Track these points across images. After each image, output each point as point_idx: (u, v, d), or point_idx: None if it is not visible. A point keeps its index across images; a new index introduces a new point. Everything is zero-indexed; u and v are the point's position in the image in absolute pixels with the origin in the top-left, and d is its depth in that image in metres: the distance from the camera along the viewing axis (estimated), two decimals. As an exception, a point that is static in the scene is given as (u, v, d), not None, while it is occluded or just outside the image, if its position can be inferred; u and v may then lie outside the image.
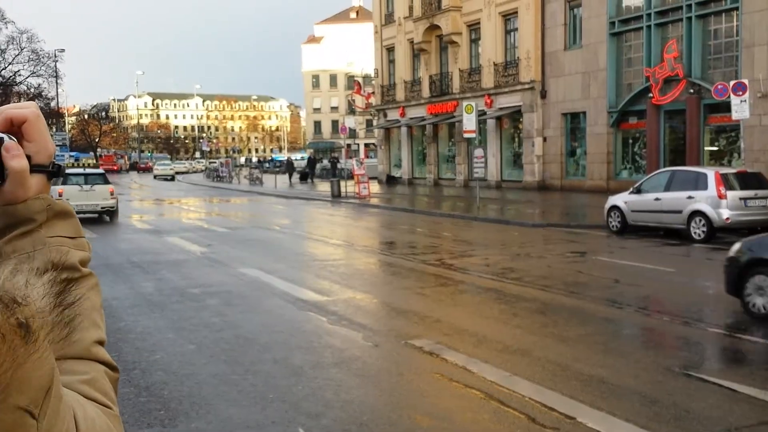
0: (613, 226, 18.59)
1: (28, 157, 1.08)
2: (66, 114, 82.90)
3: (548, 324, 9.02)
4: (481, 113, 34.49)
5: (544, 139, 35.64)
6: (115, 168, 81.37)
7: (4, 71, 49.79)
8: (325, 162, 51.82)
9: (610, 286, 11.57)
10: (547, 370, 7.03)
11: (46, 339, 0.78)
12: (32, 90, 53.36)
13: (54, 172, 1.14)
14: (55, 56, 52.59)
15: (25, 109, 1.11)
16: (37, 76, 52.35)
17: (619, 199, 18.64)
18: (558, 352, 7.67)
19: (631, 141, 32.00)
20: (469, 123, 26.19)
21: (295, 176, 52.10)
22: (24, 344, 0.74)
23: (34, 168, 1.09)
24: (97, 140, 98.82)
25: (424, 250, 16.05)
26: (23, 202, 1.09)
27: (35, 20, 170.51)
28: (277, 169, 68.29)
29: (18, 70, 50.68)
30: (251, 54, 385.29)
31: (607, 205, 18.97)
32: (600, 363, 7.27)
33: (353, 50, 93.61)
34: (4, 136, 1.07)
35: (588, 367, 7.10)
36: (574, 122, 34.62)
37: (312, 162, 53.24)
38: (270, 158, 58.02)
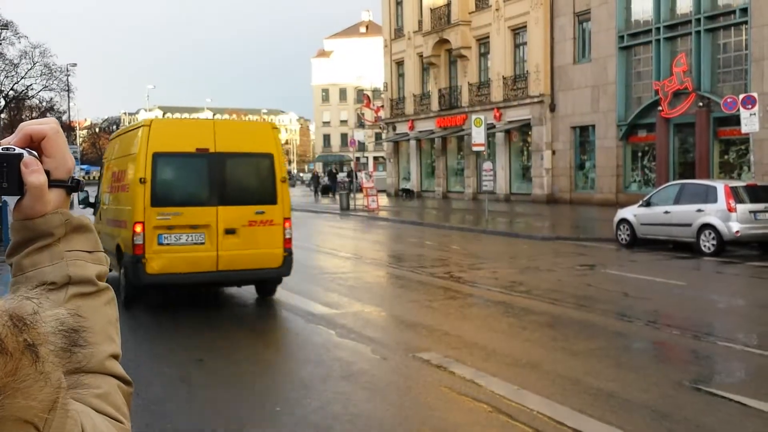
0: (622, 240, 18.51)
1: (47, 173, 1.09)
2: (77, 127, 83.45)
3: (557, 337, 8.96)
4: (490, 126, 34.49)
5: (553, 153, 35.60)
6: None
7: (16, 85, 50.22)
8: (342, 175, 51.52)
9: (620, 300, 11.50)
10: (556, 384, 6.98)
11: (52, 362, 0.78)
12: (44, 104, 53.80)
13: (73, 187, 1.15)
14: (67, 70, 53.00)
15: (44, 125, 1.12)
16: (50, 90, 52.77)
17: (629, 212, 18.56)
18: (567, 365, 7.62)
19: (640, 154, 31.92)
20: (478, 136, 26.19)
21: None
22: (31, 365, 0.75)
23: (53, 183, 1.10)
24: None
25: (433, 263, 16.01)
26: (42, 216, 1.10)
27: (48, 35, 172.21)
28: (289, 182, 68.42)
29: (30, 84, 51.11)
30: (261, 68, 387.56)
31: (617, 218, 18.89)
32: (610, 377, 7.21)
33: (363, 64, 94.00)
34: (24, 151, 1.08)
35: (598, 381, 7.04)
36: (584, 135, 34.57)
37: (333, 175, 52.45)
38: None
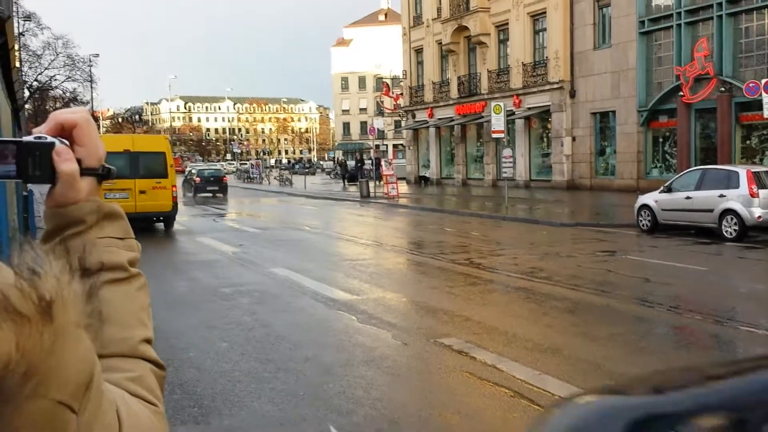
0: (643, 225, 18.39)
1: (79, 161, 1.10)
2: (100, 117, 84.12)
3: (578, 323, 8.95)
4: (510, 113, 34.32)
5: (573, 139, 35.37)
6: (180, 170, 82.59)
7: (40, 76, 50.61)
8: (368, 163, 50.80)
9: (641, 285, 11.44)
10: (577, 369, 6.97)
11: (74, 316, 0.75)
12: (68, 94, 54.21)
13: (104, 175, 1.15)
14: (90, 61, 53.39)
15: (75, 114, 1.12)
16: (73, 80, 53.15)
17: (650, 198, 18.42)
18: (588, 351, 7.60)
19: (661, 140, 31.63)
20: (497, 123, 26.08)
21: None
22: (50, 323, 0.71)
23: (85, 171, 1.11)
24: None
25: (453, 250, 16.01)
26: (74, 204, 1.11)
27: (70, 26, 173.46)
28: (306, 170, 68.59)
29: (54, 75, 51.47)
30: (281, 57, 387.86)
31: (638, 204, 18.76)
32: (631, 362, 7.19)
33: (382, 52, 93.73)
34: (56, 140, 1.09)
35: (619, 366, 7.02)
36: (604, 121, 34.31)
37: (359, 164, 51.66)
38: (340, 160, 51.56)
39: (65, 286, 0.75)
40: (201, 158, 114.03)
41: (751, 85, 20.99)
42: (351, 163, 56.32)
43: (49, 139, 1.09)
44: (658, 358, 7.33)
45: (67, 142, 1.10)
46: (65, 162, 1.08)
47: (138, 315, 1.13)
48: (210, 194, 36.56)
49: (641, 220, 18.51)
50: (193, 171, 39.68)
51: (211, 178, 37.61)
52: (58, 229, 1.12)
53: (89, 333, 0.78)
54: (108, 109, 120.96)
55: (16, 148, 1.07)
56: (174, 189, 19.90)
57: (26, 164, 1.07)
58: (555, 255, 14.76)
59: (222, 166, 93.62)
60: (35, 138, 1.08)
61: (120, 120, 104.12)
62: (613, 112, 33.13)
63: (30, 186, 11.44)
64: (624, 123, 32.36)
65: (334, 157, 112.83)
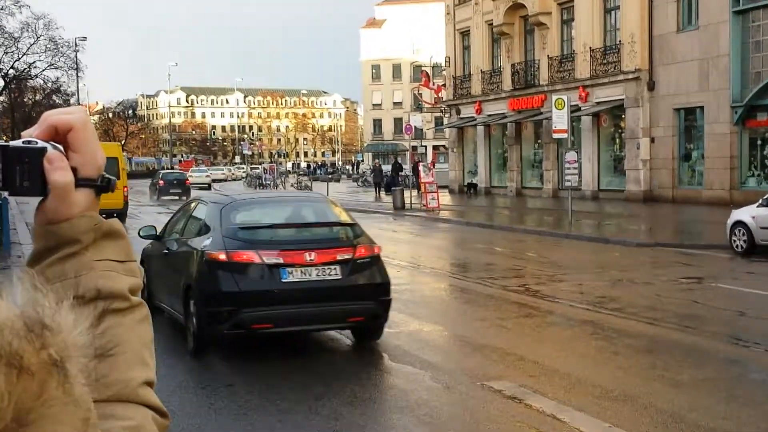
0: (737, 246, 18.16)
1: (74, 170, 1.11)
2: (88, 112, 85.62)
3: (657, 365, 8.86)
4: (575, 109, 34.16)
5: (652, 140, 35.08)
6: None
7: (17, 63, 51.49)
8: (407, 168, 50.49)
9: (734, 320, 11.31)
10: (656, 422, 6.91)
11: (82, 382, 0.78)
12: (50, 84, 55.20)
13: (103, 187, 1.16)
14: (76, 45, 54.28)
15: (71, 115, 1.14)
16: (56, 68, 54.06)
17: (746, 214, 18.19)
18: (669, 399, 7.53)
19: (760, 142, 31.25)
20: (559, 121, 25.97)
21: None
22: (58, 387, 0.74)
23: (81, 182, 1.12)
24: (123, 142, 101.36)
25: (505, 274, 15.96)
26: (67, 220, 1.12)
27: (53, 3, 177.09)
28: (329, 176, 68.87)
29: (33, 62, 52.39)
30: (300, 41, 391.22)
31: (731, 221, 18.54)
32: (722, 414, 7.10)
33: (420, 35, 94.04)
34: (48, 145, 1.10)
35: (707, 419, 6.94)
36: (689, 119, 33.98)
37: (397, 169, 51.37)
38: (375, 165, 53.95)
39: (73, 339, 0.77)
40: (201, 161, 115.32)
41: None
42: (386, 168, 56.26)
43: (40, 143, 1.10)
44: (756, 410, 7.23)
45: (61, 148, 1.12)
46: (58, 171, 1.09)
47: (139, 353, 1.14)
48: (174, 196, 43.61)
49: (735, 240, 18.28)
50: (159, 174, 49.90)
51: (174, 182, 46.50)
52: (48, 249, 1.13)
53: (84, 375, 0.79)
54: (96, 103, 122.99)
55: (1, 153, 1.09)
56: (125, 189, 27.45)
57: (13, 173, 1.08)
58: (629, 282, 14.65)
59: (229, 171, 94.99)
60: (24, 142, 1.10)
61: (110, 115, 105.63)
62: (701, 108, 32.82)
63: (5, 194, 11.61)
64: (714, 121, 32.03)
65: (359, 161, 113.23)
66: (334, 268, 9.09)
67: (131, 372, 1.10)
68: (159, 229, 11.31)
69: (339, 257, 9.13)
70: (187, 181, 47.31)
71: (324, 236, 9.66)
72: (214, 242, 9.06)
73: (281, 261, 8.84)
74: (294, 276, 8.88)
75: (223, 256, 8.78)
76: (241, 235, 9.16)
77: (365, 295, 9.30)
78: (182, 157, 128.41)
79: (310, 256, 8.93)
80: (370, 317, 9.43)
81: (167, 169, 66.73)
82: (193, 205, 11.12)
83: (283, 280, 8.86)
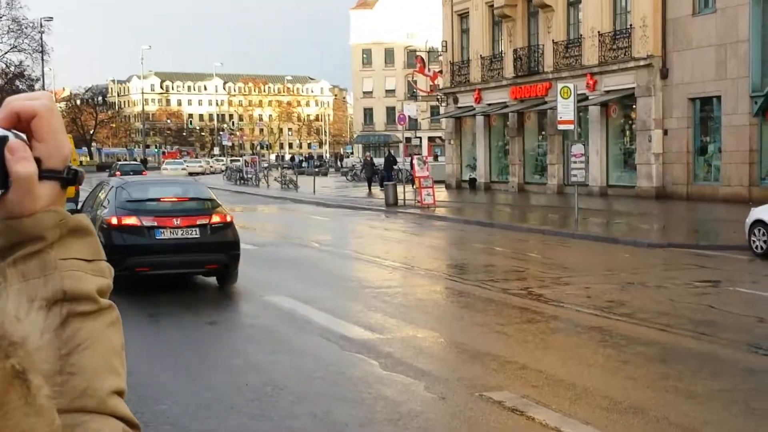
0: (757, 247, 18.20)
1: (38, 161, 1.11)
2: (54, 98, 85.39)
3: (670, 375, 8.88)
4: (582, 98, 34.19)
5: (665, 132, 35.16)
6: None
7: (-23, 45, 51.32)
8: (400, 162, 50.28)
9: (753, 327, 11.33)
10: (668, 436, 6.91)
11: (46, 394, 0.77)
12: (12, 68, 55.02)
13: (70, 179, 1.16)
14: (41, 26, 54.16)
15: (35, 101, 1.13)
16: (19, 50, 54.02)
17: (766, 212, 18.25)
18: (683, 412, 7.54)
19: (781, 135, 31.34)
20: (565, 111, 25.98)
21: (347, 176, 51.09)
22: (20, 396, 0.75)
23: (45, 174, 1.12)
24: (92, 132, 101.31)
25: (506, 276, 15.98)
26: (31, 216, 1.11)
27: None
28: (317, 170, 68.84)
29: (-5, 44, 52.22)
30: (284, 24, 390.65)
31: (750, 220, 18.59)
32: (740, 428, 7.13)
33: (415, 17, 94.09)
34: (9, 133, 1.09)
35: (723, 433, 6.96)
36: (705, 110, 34.07)
37: (390, 162, 51.14)
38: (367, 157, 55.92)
39: (37, 348, 0.77)
40: (186, 153, 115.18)
41: None
42: (378, 161, 56.17)
43: (1, 132, 1.09)
44: (776, 424, 7.24)
45: (24, 137, 1.11)
46: (21, 161, 1.08)
47: (108, 359, 1.13)
48: None
49: (754, 241, 18.33)
50: (116, 165, 55.05)
51: (131, 173, 48.40)
52: (9, 246, 1.12)
53: (49, 384, 0.79)
54: (63, 89, 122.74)
55: None
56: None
57: None
58: (640, 285, 14.67)
59: (207, 163, 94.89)
60: None
61: (78, 102, 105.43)
62: (718, 97, 32.90)
63: None
64: (732, 112, 32.11)
65: (347, 153, 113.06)
66: (194, 230, 13.52)
67: (100, 381, 1.09)
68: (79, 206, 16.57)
69: (198, 222, 13.60)
70: (144, 173, 49.86)
71: (188, 208, 14.11)
72: (108, 211, 13.48)
73: (155, 224, 13.34)
74: (165, 234, 13.31)
75: (114, 221, 13.13)
76: (128, 206, 13.48)
77: (218, 249, 13.69)
78: (157, 147, 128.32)
79: (177, 221, 13.44)
80: (222, 266, 13.83)
81: (124, 160, 76.43)
82: (100, 186, 15.72)
83: (156, 237, 13.24)
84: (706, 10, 33.58)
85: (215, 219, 13.83)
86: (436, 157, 62.39)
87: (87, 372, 1.07)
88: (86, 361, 1.07)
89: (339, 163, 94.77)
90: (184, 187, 15.70)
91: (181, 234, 13.39)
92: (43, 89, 59.68)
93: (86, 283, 1.13)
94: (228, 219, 14.08)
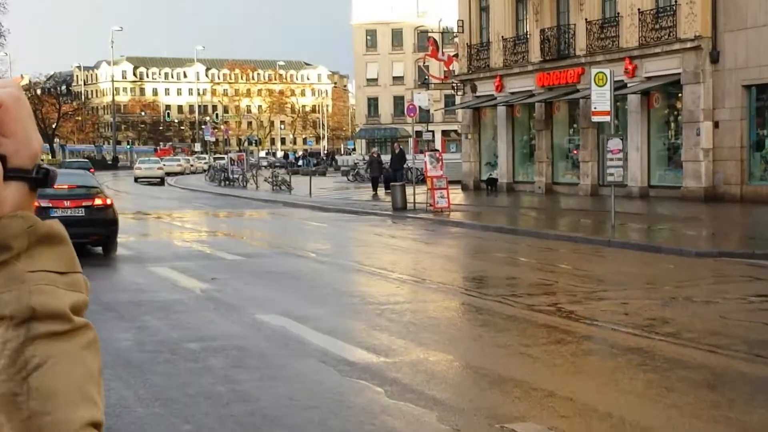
0: (821, 257, 18.20)
1: (3, 158, 1.11)
2: (21, 86, 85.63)
3: (720, 403, 8.87)
4: (620, 85, 34.18)
5: (716, 125, 35.11)
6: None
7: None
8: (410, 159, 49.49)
9: (817, 348, 11.30)
10: (717, 473, 6.92)
11: (9, 425, 0.77)
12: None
13: (39, 180, 1.16)
14: (-3, 6, 54.25)
15: (0, 90, 1.14)
16: (-29, 34, 53.99)
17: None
18: (735, 445, 7.53)
19: None
20: (600, 100, 26.00)
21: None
22: None
23: (12, 173, 1.12)
24: (54, 126, 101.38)
25: (531, 290, 15.96)
26: None
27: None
28: (314, 169, 68.91)
29: (-57, 26, 52.37)
30: (276, 0, 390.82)
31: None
32: (800, 464, 7.11)
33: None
34: None
35: (781, 470, 6.95)
36: (763, 99, 34.03)
37: (399, 159, 50.36)
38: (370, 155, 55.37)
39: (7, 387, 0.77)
40: (180, 150, 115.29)
41: None
42: (385, 159, 55.86)
43: None
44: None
45: None
46: None
47: (83, 386, 1.13)
48: None
49: (818, 249, 18.32)
50: (63, 163, 58.46)
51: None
52: None
53: (16, 418, 0.79)
54: (22, 76, 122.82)
55: None
56: None
57: None
58: (686, 300, 14.67)
59: (188, 162, 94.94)
60: None
61: (39, 92, 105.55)
62: (777, 84, 32.88)
63: None
64: (793, 101, 32.09)
65: (349, 149, 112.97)
66: (80, 210, 20.13)
67: (73, 411, 1.09)
68: None
69: (84, 204, 20.28)
70: (92, 170, 50.48)
71: (76, 193, 20.63)
72: None
73: (50, 205, 19.12)
74: (57, 213, 18.70)
75: None
76: None
77: (98, 224, 20.46)
78: (129, 144, 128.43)
79: (67, 203, 19.95)
80: (104, 237, 20.78)
81: (71, 158, 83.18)
82: None
83: (50, 215, 15.74)
84: (762, -16, 33.56)
85: (98, 202, 20.60)
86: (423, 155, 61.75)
87: (59, 402, 1.07)
88: (56, 389, 1.07)
89: (333, 161, 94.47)
90: (75, 178, 22.68)
91: (70, 213, 19.63)
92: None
93: (58, 299, 1.12)
94: (108, 202, 21.01)
